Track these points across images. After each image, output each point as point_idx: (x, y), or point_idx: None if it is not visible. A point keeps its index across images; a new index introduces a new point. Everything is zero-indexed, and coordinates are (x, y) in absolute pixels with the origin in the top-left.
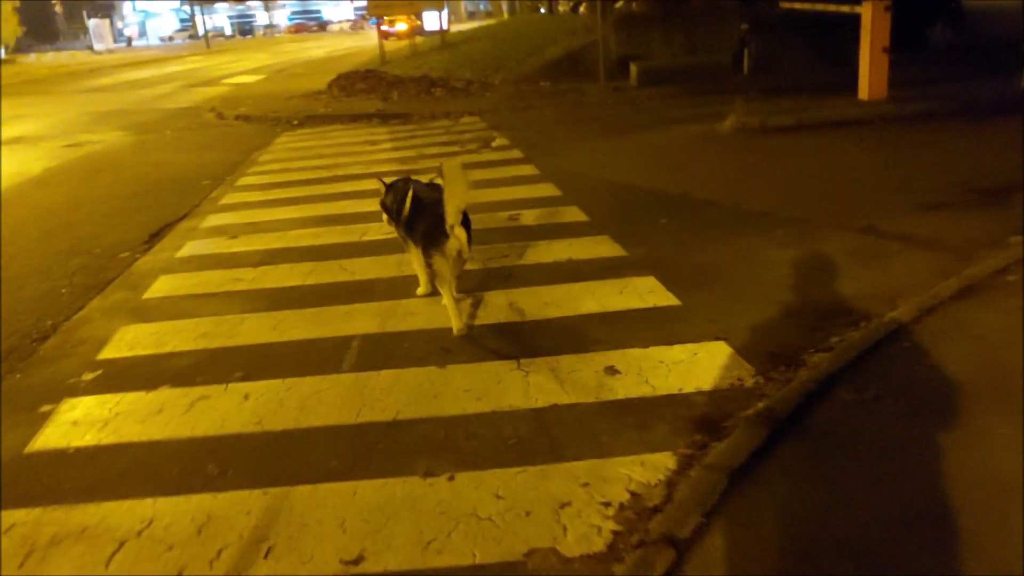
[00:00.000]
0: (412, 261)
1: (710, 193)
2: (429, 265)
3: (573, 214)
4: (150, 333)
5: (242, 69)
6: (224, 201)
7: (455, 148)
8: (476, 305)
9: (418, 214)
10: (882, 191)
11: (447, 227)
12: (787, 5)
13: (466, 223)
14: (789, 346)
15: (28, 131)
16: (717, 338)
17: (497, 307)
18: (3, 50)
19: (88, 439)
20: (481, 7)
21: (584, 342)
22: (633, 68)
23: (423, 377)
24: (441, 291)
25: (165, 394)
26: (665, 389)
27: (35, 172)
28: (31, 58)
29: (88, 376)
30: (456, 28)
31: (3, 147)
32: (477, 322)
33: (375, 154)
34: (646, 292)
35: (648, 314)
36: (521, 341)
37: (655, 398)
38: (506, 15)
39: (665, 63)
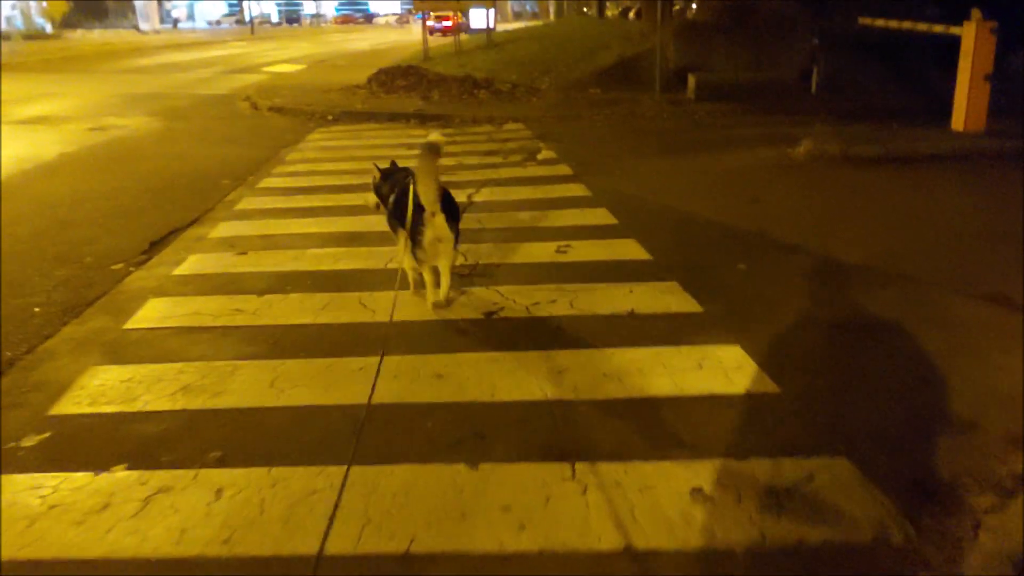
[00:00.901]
0: (400, 255)
1: (792, 234)
2: (413, 253)
3: (632, 250)
4: (121, 380)
5: (283, 58)
6: (240, 206)
7: (497, 159)
8: (518, 367)
9: (406, 203)
10: (1000, 247)
11: (426, 216)
12: (866, 21)
13: (451, 208)
14: (940, 476)
15: (55, 110)
16: (836, 453)
17: (543, 374)
18: (49, 25)
19: None
20: (527, 8)
21: (659, 442)
22: (691, 80)
23: (448, 481)
24: (423, 272)
25: (118, 479)
26: (779, 533)
27: (48, 158)
28: (77, 34)
29: (29, 442)
30: (502, 28)
31: (23, 127)
32: (519, 396)
33: (411, 160)
34: (733, 368)
35: (739, 403)
36: (575, 431)
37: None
38: (552, 17)
39: (727, 76)
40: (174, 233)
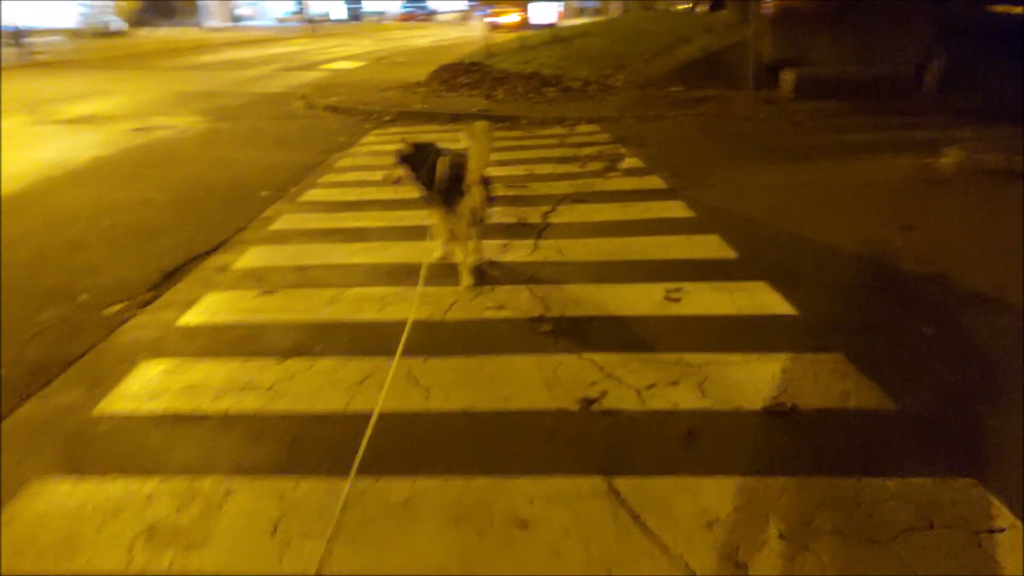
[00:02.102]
0: (432, 223)
1: (980, 279)
2: (448, 224)
3: (767, 298)
4: (69, 507)
5: (343, 55)
6: (276, 226)
7: (574, 167)
8: (653, 517)
9: (446, 176)
10: None
11: (464, 186)
12: (1001, 8)
13: (486, 183)
14: None
15: (104, 109)
16: None
17: (679, 519)
18: (125, 24)
19: None
20: (589, 4)
21: None
22: (788, 76)
23: None
24: (456, 248)
25: None
26: None
27: (80, 162)
28: (143, 32)
29: None
30: (565, 23)
31: (66, 127)
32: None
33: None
34: (980, 514)
35: None
36: None
37: None
38: (612, 12)
39: (830, 71)
40: (194, 260)
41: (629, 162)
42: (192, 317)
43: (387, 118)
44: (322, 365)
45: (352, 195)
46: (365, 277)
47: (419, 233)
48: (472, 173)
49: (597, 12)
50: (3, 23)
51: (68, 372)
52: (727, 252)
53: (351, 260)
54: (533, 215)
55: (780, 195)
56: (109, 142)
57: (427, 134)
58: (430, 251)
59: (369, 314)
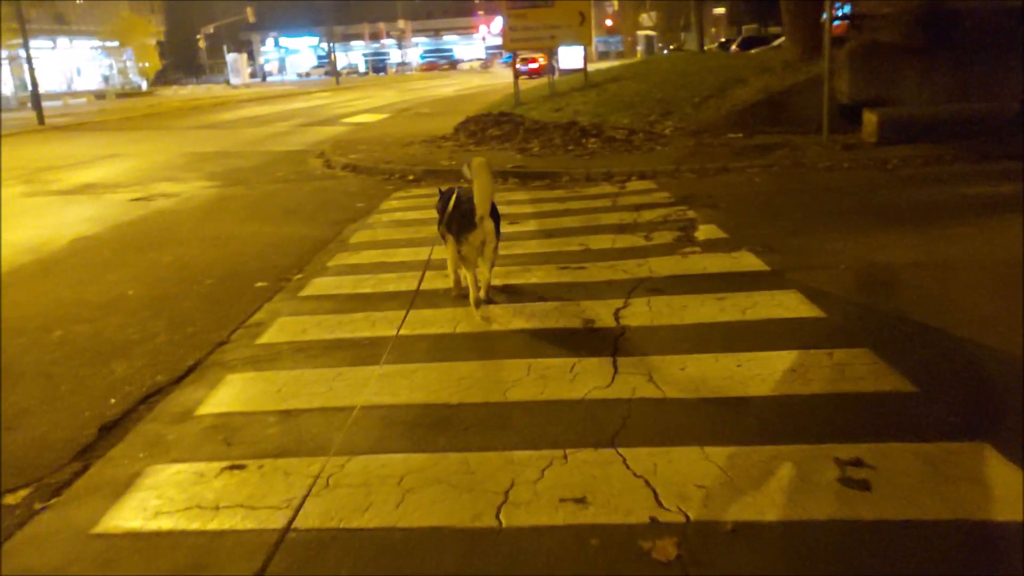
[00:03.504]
0: (447, 258)
1: None
2: (459, 252)
3: (1000, 473)
4: None
5: (366, 107)
6: (266, 338)
7: (637, 238)
8: None
9: (456, 212)
10: None
11: (476, 219)
12: None
13: (495, 215)
14: None
15: (107, 176)
16: None
17: None
18: (144, 83)
19: None
20: (611, 47)
21: None
22: (871, 117)
23: None
24: (466, 273)
25: None
26: None
27: (59, 245)
28: (169, 91)
29: None
30: (591, 67)
31: (61, 199)
32: None
33: (514, 242)
34: None
35: None
36: None
37: None
38: (639, 55)
39: (920, 111)
40: (150, 399)
41: (704, 231)
42: (117, 518)
43: (411, 177)
44: None
45: (367, 285)
46: (376, 433)
47: (453, 346)
48: (479, 207)
49: (620, 55)
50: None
51: None
52: (898, 381)
53: (358, 398)
54: (601, 314)
55: (929, 280)
56: (101, 217)
57: None
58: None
59: (381, 514)
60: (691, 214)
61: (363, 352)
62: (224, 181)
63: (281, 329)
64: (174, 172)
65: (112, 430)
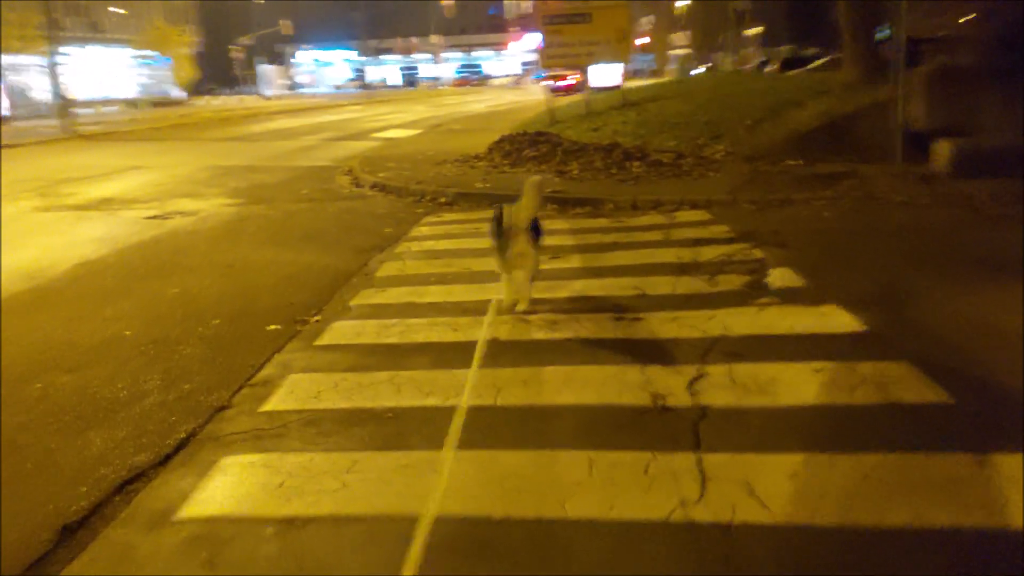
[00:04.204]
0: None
1: None
2: (501, 262)
3: None
4: None
5: (397, 122)
6: (272, 404)
7: (700, 282)
8: None
9: (499, 225)
10: None
11: (515, 232)
12: None
13: (536, 229)
14: None
15: (126, 190)
16: None
17: None
18: (184, 93)
19: None
20: (644, 66)
21: None
22: (943, 147)
23: None
24: (505, 275)
25: None
26: None
27: (60, 270)
28: (201, 101)
29: None
30: (625, 85)
31: (74, 216)
32: None
33: (557, 282)
34: None
35: None
36: None
37: None
38: (668, 75)
39: (1000, 141)
40: (122, 493)
41: (778, 276)
42: None
43: (443, 200)
44: None
45: (393, 333)
46: (395, 559)
47: (495, 425)
48: (519, 221)
49: (652, 74)
50: (64, 95)
51: None
52: None
53: (375, 503)
54: (672, 386)
55: None
56: (111, 237)
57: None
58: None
59: None
60: (758, 254)
61: (385, 430)
62: (246, 199)
63: (291, 391)
64: (195, 187)
65: (76, 533)
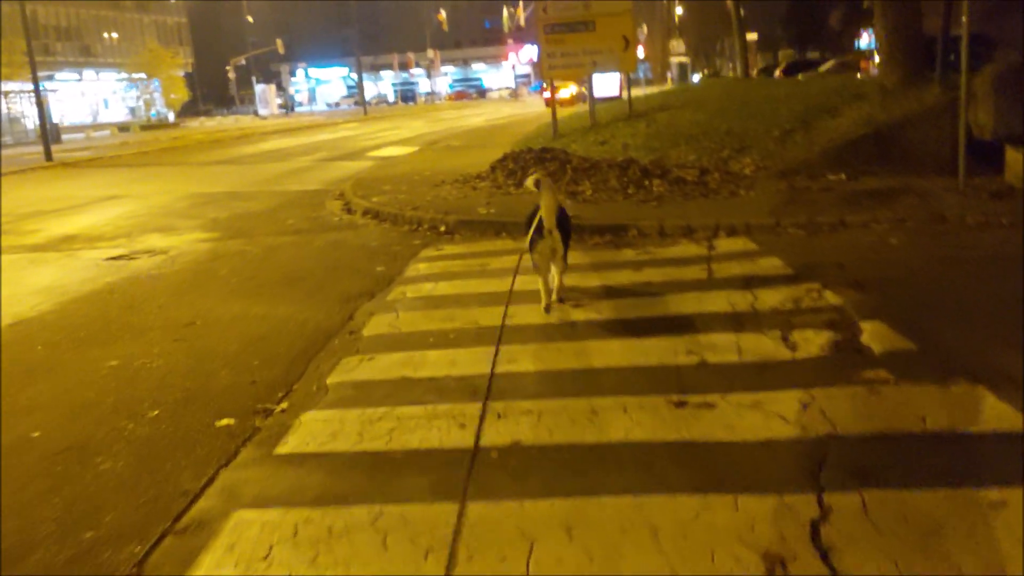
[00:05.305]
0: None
1: None
2: (532, 260)
3: None
4: None
5: (394, 139)
6: (203, 568)
7: (770, 343)
8: None
9: (529, 225)
10: None
11: (544, 231)
12: None
13: (564, 226)
14: None
15: (93, 225)
16: None
17: None
18: (171, 114)
19: None
20: (641, 75)
21: None
22: (1017, 156)
23: None
24: (539, 275)
25: None
26: None
27: None
28: (195, 123)
29: None
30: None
31: (29, 256)
32: None
33: (587, 343)
34: None
35: None
36: None
37: None
38: (670, 83)
39: None
40: None
41: (873, 333)
42: None
43: (442, 228)
44: None
45: (379, 433)
46: None
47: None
48: (547, 220)
49: (650, 82)
50: (52, 120)
51: None
52: None
53: None
54: (786, 531)
55: None
56: (59, 286)
57: (499, 256)
58: None
59: None
60: (831, 298)
61: None
62: (224, 232)
63: (230, 546)
64: (170, 219)
65: None
